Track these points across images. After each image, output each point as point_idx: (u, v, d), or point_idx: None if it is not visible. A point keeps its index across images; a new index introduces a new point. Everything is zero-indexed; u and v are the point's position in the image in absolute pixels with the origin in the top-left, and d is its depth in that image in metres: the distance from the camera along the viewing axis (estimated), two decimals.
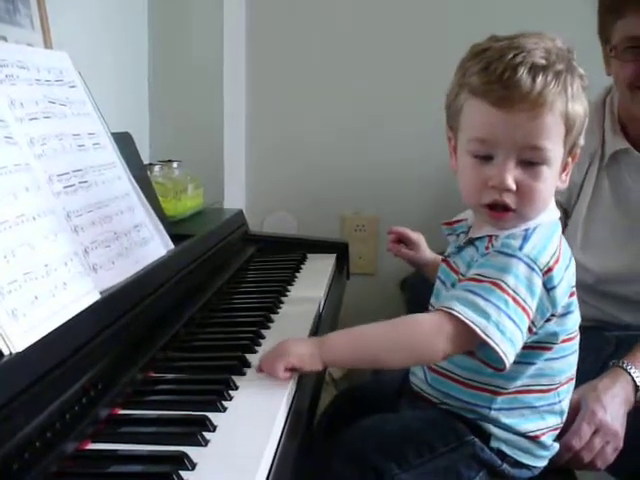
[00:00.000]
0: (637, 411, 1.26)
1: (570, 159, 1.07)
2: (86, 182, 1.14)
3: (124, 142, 1.39)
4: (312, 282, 1.56)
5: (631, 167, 1.56)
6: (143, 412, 0.91)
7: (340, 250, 1.84)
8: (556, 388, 1.10)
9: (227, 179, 2.18)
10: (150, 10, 2.14)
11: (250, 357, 1.07)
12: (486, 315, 0.97)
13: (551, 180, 1.03)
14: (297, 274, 1.62)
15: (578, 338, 1.12)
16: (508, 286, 0.98)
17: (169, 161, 1.81)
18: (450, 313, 0.98)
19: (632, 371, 1.26)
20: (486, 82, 1.00)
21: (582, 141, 1.07)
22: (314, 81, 2.34)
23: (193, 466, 0.76)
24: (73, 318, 0.90)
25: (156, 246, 1.28)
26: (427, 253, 1.42)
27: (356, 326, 1.04)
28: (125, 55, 2.03)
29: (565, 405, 1.13)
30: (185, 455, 0.77)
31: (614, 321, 1.57)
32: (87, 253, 1.05)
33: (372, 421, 1.13)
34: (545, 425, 1.10)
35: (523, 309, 0.99)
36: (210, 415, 0.86)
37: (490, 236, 1.06)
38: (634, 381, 1.26)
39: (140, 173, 1.41)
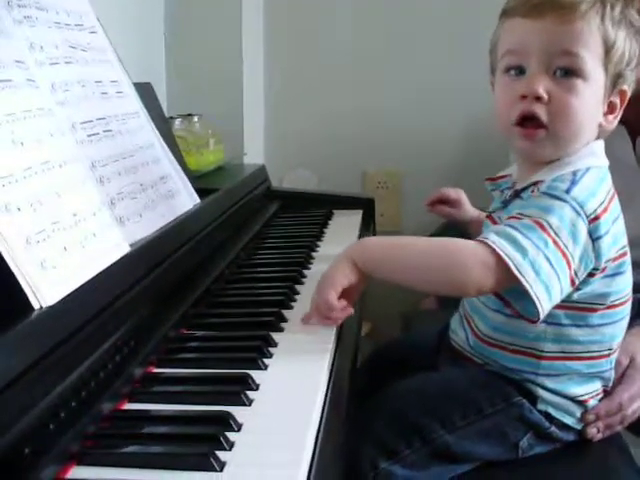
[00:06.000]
0: None
1: (618, 100, 1.01)
2: (110, 131, 1.08)
3: (145, 93, 1.32)
4: (341, 238, 1.49)
5: None
6: (179, 370, 0.86)
7: (366, 206, 1.78)
8: (608, 355, 1.05)
9: (247, 135, 2.11)
10: None
11: (286, 313, 1.02)
12: (523, 251, 0.90)
13: (588, 100, 0.97)
14: (325, 230, 1.57)
15: (630, 302, 1.05)
16: (550, 226, 0.92)
17: (189, 115, 1.75)
18: (486, 244, 0.92)
19: None
20: (520, 0, 0.98)
21: (631, 78, 1.01)
22: (335, 33, 2.27)
23: (239, 427, 0.71)
24: (104, 271, 0.85)
25: (183, 199, 1.23)
26: (470, 210, 1.36)
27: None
28: (140, 5, 1.95)
29: (613, 371, 1.08)
30: (230, 415, 0.72)
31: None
32: (113, 204, 1.00)
33: (414, 380, 1.08)
34: (593, 389, 1.05)
35: (563, 254, 0.92)
36: (252, 373, 0.82)
37: (535, 183, 0.99)
38: None
39: (162, 125, 1.35)
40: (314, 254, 1.36)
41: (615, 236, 0.98)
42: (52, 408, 0.67)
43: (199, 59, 2.09)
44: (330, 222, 1.64)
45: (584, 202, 0.94)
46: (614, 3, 0.97)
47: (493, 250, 0.91)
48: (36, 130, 0.85)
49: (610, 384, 1.08)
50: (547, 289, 0.91)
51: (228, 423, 0.71)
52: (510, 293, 0.98)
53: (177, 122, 1.65)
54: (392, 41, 2.24)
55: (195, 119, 1.74)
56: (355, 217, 1.70)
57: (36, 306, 0.73)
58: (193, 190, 1.28)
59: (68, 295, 0.76)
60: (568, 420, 1.04)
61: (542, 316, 0.92)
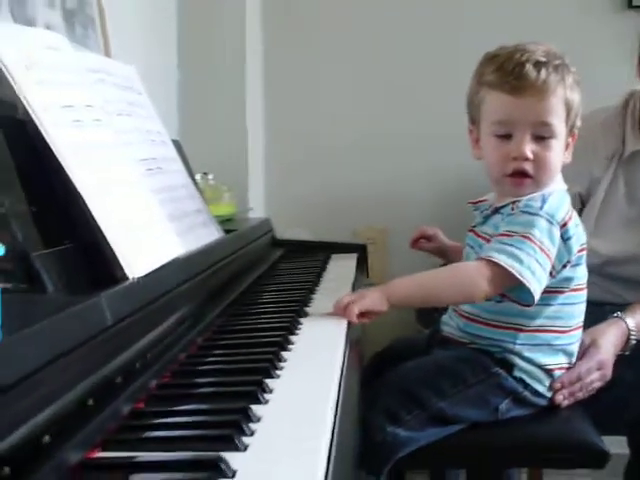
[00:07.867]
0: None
1: (570, 139, 1.32)
2: (160, 169, 1.34)
3: (176, 148, 1.59)
4: (342, 272, 1.76)
5: None
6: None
7: (360, 251, 2.04)
8: (569, 331, 1.32)
9: (250, 196, 2.39)
10: (180, 40, 2.37)
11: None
12: (519, 260, 1.19)
13: (559, 151, 1.28)
14: (327, 265, 1.82)
15: (586, 291, 1.33)
16: (535, 237, 1.21)
17: (205, 173, 2.02)
18: (490, 260, 1.20)
19: (627, 319, 1.47)
20: (501, 77, 1.26)
21: (579, 123, 1.31)
22: (330, 100, 2.60)
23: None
24: (167, 263, 1.08)
25: (213, 230, 1.48)
26: (447, 241, 1.63)
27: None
28: (156, 80, 2.23)
29: (575, 348, 1.33)
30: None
31: (619, 301, 1.71)
32: (170, 221, 1.25)
33: (411, 362, 1.33)
34: (559, 361, 1.31)
35: (547, 255, 1.22)
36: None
37: (513, 202, 1.28)
38: (627, 326, 1.47)
39: (191, 176, 1.61)
40: (321, 279, 1.61)
41: (578, 236, 1.28)
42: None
43: (209, 133, 2.37)
44: (330, 262, 1.90)
45: (554, 214, 1.24)
46: (568, 73, 1.27)
47: (497, 264, 1.20)
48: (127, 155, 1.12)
49: (573, 360, 1.33)
50: (539, 282, 1.21)
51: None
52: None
53: (198, 177, 1.92)
54: (378, 112, 2.56)
55: (211, 176, 2.02)
56: (351, 260, 1.95)
57: (130, 276, 0.97)
58: (218, 225, 1.54)
59: (151, 272, 1.00)
60: (539, 387, 1.29)
61: (536, 301, 1.21)
